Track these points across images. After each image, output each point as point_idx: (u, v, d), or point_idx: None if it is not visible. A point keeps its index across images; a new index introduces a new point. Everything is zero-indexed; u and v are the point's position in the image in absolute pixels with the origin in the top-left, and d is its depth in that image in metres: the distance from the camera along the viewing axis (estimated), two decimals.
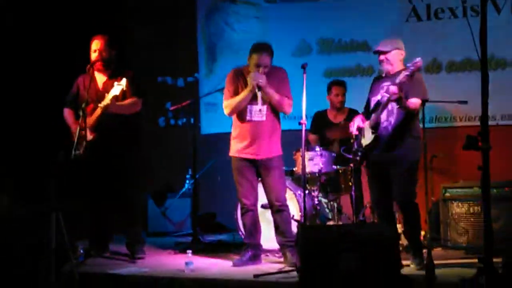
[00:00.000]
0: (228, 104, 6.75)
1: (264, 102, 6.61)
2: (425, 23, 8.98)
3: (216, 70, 9.99)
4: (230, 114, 6.79)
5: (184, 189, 9.18)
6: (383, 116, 6.28)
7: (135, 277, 6.32)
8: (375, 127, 6.33)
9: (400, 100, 6.02)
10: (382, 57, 6.39)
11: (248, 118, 6.67)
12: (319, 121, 8.37)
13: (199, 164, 8.34)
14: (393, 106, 6.20)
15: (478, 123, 4.47)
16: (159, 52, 10.21)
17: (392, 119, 6.28)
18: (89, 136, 6.96)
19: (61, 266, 6.01)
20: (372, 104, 6.48)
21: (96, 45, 7.15)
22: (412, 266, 6.22)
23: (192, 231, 8.38)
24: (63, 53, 8.68)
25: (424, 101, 6.30)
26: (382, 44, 6.46)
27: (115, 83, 6.83)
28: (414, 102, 6.13)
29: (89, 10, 9.12)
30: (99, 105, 6.87)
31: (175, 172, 9.72)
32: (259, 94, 6.52)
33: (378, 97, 6.35)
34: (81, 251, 6.96)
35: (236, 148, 6.80)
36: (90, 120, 6.94)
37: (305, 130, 6.55)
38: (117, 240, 7.67)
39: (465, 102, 7.86)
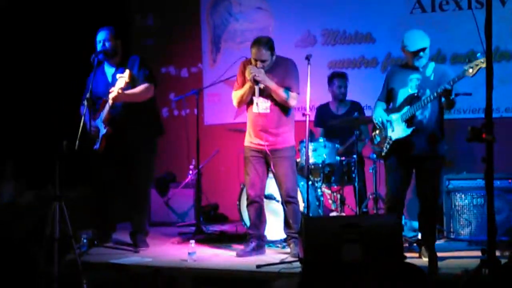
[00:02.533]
0: (233, 95, 6.85)
1: (266, 95, 6.62)
2: (429, 15, 8.96)
3: (220, 61, 9.99)
4: (237, 105, 6.89)
5: (187, 180, 9.18)
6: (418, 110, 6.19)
7: (138, 267, 6.34)
8: (410, 120, 6.24)
9: (449, 97, 5.97)
10: (422, 53, 6.25)
11: (254, 110, 6.69)
12: (322, 114, 8.37)
13: (202, 155, 8.34)
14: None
15: (482, 115, 4.45)
16: (163, 43, 10.21)
17: (427, 113, 6.22)
18: (104, 130, 7.03)
19: (64, 256, 6.02)
20: (401, 95, 6.37)
21: (100, 36, 7.16)
22: (424, 258, 6.20)
23: (195, 221, 8.39)
24: (68, 42, 8.68)
25: (457, 95, 6.16)
26: (419, 39, 6.29)
27: (117, 75, 6.84)
28: (454, 97, 6.06)
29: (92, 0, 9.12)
30: (108, 97, 6.89)
31: (178, 162, 9.73)
32: (256, 87, 6.53)
33: (409, 89, 6.30)
34: (84, 240, 6.97)
35: (247, 138, 6.86)
36: (104, 114, 7.00)
37: (309, 121, 6.54)
38: (121, 229, 7.69)
39: (469, 94, 7.85)
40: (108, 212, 7.44)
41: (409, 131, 6.22)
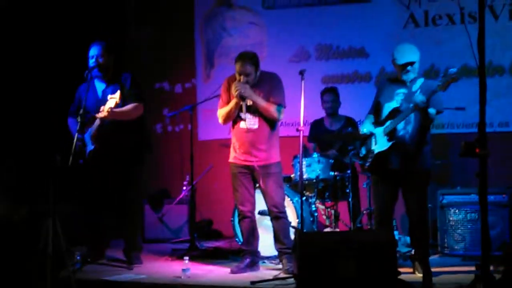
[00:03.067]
0: (219, 113, 6.81)
1: (253, 110, 6.61)
2: (422, 29, 8.99)
3: (213, 76, 9.99)
4: (223, 123, 6.84)
5: (181, 196, 9.16)
6: (400, 124, 6.15)
7: (132, 284, 6.31)
8: (391, 134, 6.20)
9: (426, 111, 5.94)
10: (410, 67, 6.23)
11: (241, 125, 6.68)
12: (316, 130, 8.37)
13: (196, 171, 8.33)
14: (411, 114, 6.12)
15: (476, 130, 4.46)
16: (157, 58, 10.21)
17: (410, 128, 6.16)
18: (91, 147, 7.02)
19: (57, 273, 5.99)
20: (386, 109, 6.33)
21: (93, 51, 7.15)
22: (418, 274, 6.18)
23: (189, 238, 8.37)
24: (63, 57, 8.67)
25: (438, 113, 6.16)
26: (408, 53, 6.28)
27: (109, 96, 6.83)
28: (434, 113, 6.04)
29: (87, 14, 9.11)
30: (97, 115, 6.87)
31: (172, 178, 9.72)
32: (243, 103, 6.53)
33: (394, 103, 6.26)
34: (78, 257, 6.94)
35: (232, 154, 6.83)
36: (93, 131, 6.98)
37: (303, 136, 6.53)
38: (114, 246, 7.68)
39: (463, 109, 7.88)
40: (101, 229, 7.43)
41: (388, 144, 6.18)
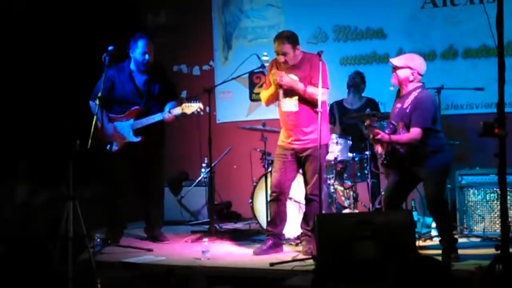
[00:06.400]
0: (261, 95, 6.96)
1: (291, 93, 6.60)
2: (441, 9, 8.91)
3: (231, 58, 9.98)
4: (265, 105, 6.97)
5: (200, 178, 9.18)
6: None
7: (152, 266, 6.36)
8: (387, 152, 6.18)
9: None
10: (392, 70, 6.27)
11: (282, 108, 6.72)
12: (336, 110, 8.35)
13: (215, 153, 8.34)
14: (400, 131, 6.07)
15: (495, 110, 4.44)
16: (174, 41, 10.21)
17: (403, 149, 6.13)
18: (135, 138, 7.31)
19: (78, 255, 6.04)
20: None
21: (145, 46, 7.34)
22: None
23: (208, 220, 8.40)
24: (80, 41, 8.68)
25: (425, 129, 6.00)
26: (397, 57, 6.34)
27: (185, 105, 7.42)
28: (408, 136, 6.02)
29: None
30: (167, 116, 7.35)
31: (190, 160, 9.73)
32: (280, 90, 6.58)
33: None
34: (98, 239, 7.00)
35: (280, 136, 6.88)
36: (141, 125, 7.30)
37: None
38: (133, 228, 7.76)
39: (482, 89, 7.84)
40: (121, 211, 7.50)
41: (384, 162, 6.25)
